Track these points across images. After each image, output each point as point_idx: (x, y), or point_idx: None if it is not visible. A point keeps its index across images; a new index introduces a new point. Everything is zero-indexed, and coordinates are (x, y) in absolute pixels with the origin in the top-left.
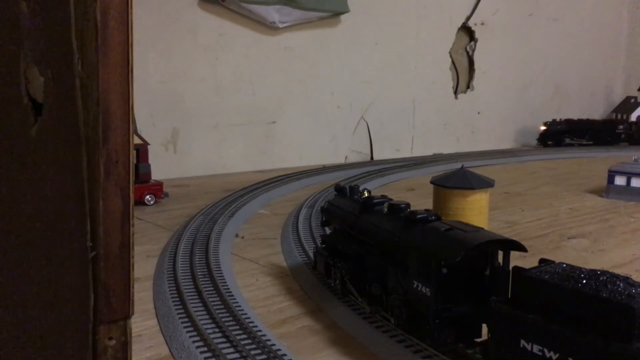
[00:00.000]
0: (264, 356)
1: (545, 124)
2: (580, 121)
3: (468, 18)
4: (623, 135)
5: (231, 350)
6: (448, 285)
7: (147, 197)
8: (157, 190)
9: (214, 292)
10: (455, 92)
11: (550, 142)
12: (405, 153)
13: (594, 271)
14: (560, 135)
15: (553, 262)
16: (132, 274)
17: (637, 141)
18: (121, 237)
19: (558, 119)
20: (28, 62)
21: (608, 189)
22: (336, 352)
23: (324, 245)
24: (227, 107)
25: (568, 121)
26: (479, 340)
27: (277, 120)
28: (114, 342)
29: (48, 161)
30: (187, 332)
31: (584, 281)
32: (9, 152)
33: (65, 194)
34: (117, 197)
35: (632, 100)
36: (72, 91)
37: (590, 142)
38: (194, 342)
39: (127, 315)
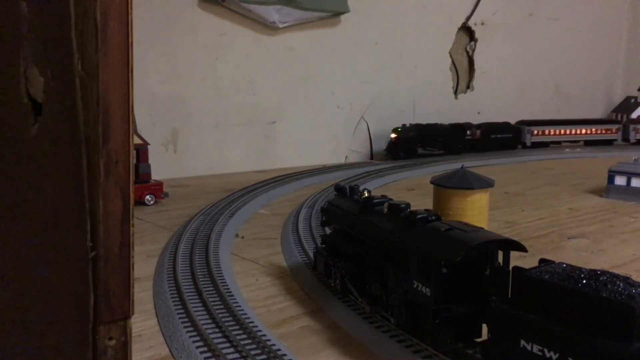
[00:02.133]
0: (264, 356)
1: (395, 130)
2: (428, 126)
3: (468, 18)
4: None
5: (231, 350)
6: (448, 285)
7: (147, 197)
8: (157, 190)
9: (214, 292)
10: (455, 92)
11: (401, 153)
12: None
13: (594, 271)
14: (413, 144)
15: (553, 262)
16: (132, 274)
17: (479, 148)
18: (121, 237)
19: (408, 124)
20: (28, 62)
21: (608, 189)
22: (336, 352)
23: (324, 245)
24: (227, 107)
25: (417, 126)
26: (479, 340)
27: (277, 120)
28: (114, 342)
29: (48, 161)
30: (187, 332)
31: (584, 281)
32: (9, 152)
33: (65, 194)
34: (117, 197)
35: (632, 100)
36: (72, 91)
37: (442, 152)
38: (194, 342)
39: (127, 315)
